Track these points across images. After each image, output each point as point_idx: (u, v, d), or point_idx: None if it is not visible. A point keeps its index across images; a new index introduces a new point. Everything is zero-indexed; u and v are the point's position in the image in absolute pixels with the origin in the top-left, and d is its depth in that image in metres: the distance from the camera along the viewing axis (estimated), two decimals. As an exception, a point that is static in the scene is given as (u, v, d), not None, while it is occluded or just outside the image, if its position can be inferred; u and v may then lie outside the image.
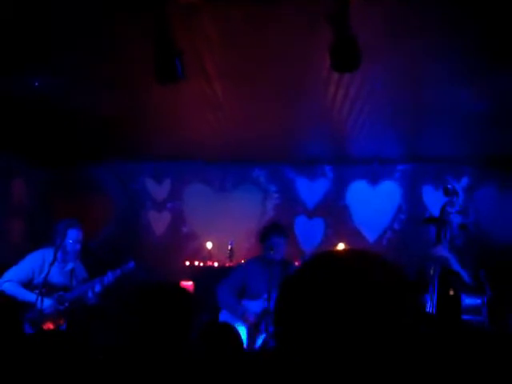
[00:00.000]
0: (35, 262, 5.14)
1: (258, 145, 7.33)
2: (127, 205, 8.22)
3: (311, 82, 5.32)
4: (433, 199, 7.61)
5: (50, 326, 5.01)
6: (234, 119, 6.33)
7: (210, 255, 7.85)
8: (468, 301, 4.23)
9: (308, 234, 8.01)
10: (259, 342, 5.16)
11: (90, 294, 5.20)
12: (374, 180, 8.05)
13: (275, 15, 4.26)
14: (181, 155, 7.95)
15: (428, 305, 4.21)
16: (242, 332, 4.96)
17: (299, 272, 1.14)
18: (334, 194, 8.10)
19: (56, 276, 5.14)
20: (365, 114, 6.05)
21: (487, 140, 6.68)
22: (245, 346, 3.86)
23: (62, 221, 5.27)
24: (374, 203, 7.94)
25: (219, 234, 7.82)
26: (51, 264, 4.95)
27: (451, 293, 4.26)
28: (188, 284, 6.94)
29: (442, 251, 4.40)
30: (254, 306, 5.24)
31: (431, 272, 4.29)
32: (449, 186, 4.56)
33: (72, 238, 5.21)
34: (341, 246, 7.55)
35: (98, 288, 5.21)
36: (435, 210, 5.77)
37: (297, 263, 5.77)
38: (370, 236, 7.98)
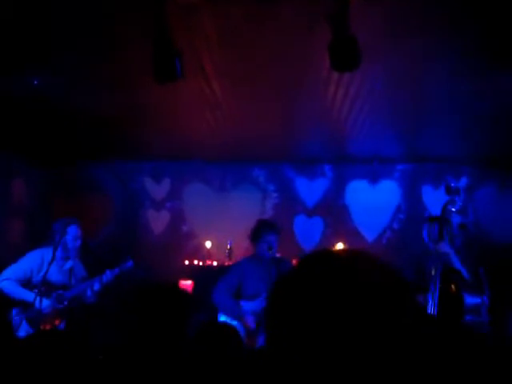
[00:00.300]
0: (34, 261, 5.13)
1: (258, 144, 7.32)
2: (126, 204, 8.22)
3: (311, 82, 5.32)
4: (432, 199, 7.61)
5: (48, 324, 5.01)
6: (233, 119, 6.33)
7: (209, 254, 7.86)
8: (468, 300, 4.23)
9: (307, 233, 8.01)
10: (260, 341, 5.14)
11: (88, 293, 5.20)
12: (374, 179, 8.05)
13: (275, 15, 4.25)
14: (180, 155, 7.95)
15: (430, 304, 4.21)
16: (241, 332, 4.95)
17: (295, 272, 1.12)
18: (334, 194, 8.10)
19: (55, 275, 5.14)
20: (364, 114, 6.05)
21: (487, 140, 6.68)
22: (244, 345, 3.86)
23: (61, 219, 5.28)
24: (373, 203, 7.93)
25: (218, 234, 7.82)
26: (50, 262, 4.95)
27: (453, 289, 4.26)
28: (187, 283, 6.94)
29: (445, 247, 4.40)
30: (253, 306, 5.22)
31: (432, 272, 4.29)
32: (451, 184, 4.56)
33: (72, 234, 5.22)
34: (340, 246, 7.55)
35: (96, 287, 5.21)
36: (434, 210, 5.77)
37: (294, 262, 5.75)
38: (369, 235, 7.98)
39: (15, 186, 7.63)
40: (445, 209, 4.49)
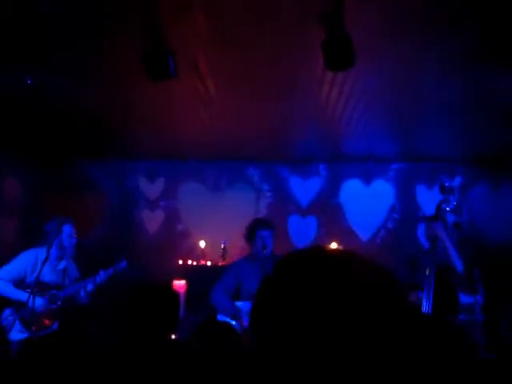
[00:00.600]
0: (27, 261, 5.10)
1: (252, 143, 7.32)
2: (121, 203, 8.20)
3: (305, 81, 5.32)
4: (426, 198, 7.63)
5: (42, 325, 4.99)
6: (227, 118, 6.32)
7: (203, 254, 7.85)
8: (462, 299, 4.24)
9: (301, 232, 8.01)
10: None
11: (82, 293, 5.18)
12: (368, 179, 8.05)
13: (269, 13, 4.24)
14: (174, 154, 7.94)
15: (424, 303, 4.21)
16: (239, 332, 4.94)
17: (284, 269, 1.09)
18: (328, 193, 8.10)
19: (48, 275, 5.12)
20: (359, 113, 6.05)
21: (481, 140, 6.70)
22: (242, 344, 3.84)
23: (55, 219, 5.26)
24: (367, 202, 7.94)
25: (212, 233, 7.81)
26: (44, 262, 4.93)
27: (447, 288, 4.27)
28: (181, 283, 6.92)
29: (439, 227, 4.42)
30: (250, 306, 5.19)
31: (427, 271, 4.30)
32: (445, 183, 4.57)
33: (67, 232, 5.21)
34: (334, 245, 7.55)
35: (90, 287, 5.20)
36: (429, 210, 5.78)
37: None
38: (364, 235, 7.99)
39: (9, 185, 7.60)
40: (439, 208, 4.50)
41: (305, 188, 8.16)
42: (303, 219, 8.12)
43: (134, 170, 8.27)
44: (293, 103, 5.86)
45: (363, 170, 8.02)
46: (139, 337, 2.14)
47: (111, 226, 8.05)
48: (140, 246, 7.84)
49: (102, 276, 5.25)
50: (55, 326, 5.11)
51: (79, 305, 5.22)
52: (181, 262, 7.67)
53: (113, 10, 4.17)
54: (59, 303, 5.12)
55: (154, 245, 8.02)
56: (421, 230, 4.64)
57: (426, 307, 4.19)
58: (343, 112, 6.03)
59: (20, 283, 5.05)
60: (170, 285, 5.83)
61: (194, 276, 7.18)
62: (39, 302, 4.98)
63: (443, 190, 4.50)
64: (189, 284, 6.95)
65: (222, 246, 7.60)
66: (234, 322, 4.87)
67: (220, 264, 7.42)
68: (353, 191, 8.07)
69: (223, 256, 7.56)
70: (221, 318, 5.27)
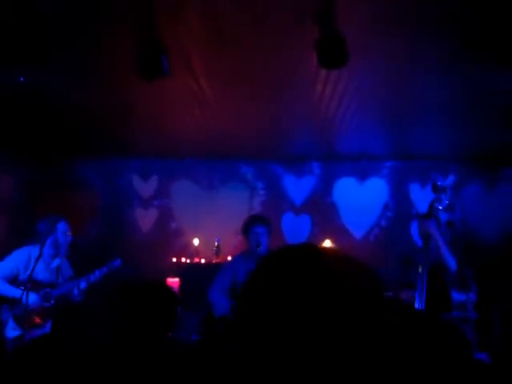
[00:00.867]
0: (20, 259, 5.09)
1: (246, 142, 7.32)
2: (114, 202, 8.18)
3: (299, 79, 5.32)
4: (420, 196, 7.65)
5: (33, 322, 4.98)
6: (221, 116, 6.31)
7: (196, 252, 7.85)
8: (455, 296, 4.26)
9: (295, 230, 8.01)
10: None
11: (75, 292, 5.17)
12: (362, 177, 8.06)
13: (262, 12, 4.24)
14: (168, 152, 7.93)
15: (417, 301, 4.22)
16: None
17: (274, 264, 1.07)
18: (322, 191, 8.11)
19: (42, 273, 5.11)
20: (352, 111, 6.05)
21: (474, 138, 6.72)
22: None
23: (48, 217, 5.24)
24: (361, 200, 7.96)
25: (206, 231, 7.81)
26: (37, 260, 4.91)
27: (440, 286, 4.29)
28: (174, 281, 6.92)
29: (432, 226, 4.43)
30: None
31: (420, 269, 4.31)
32: (438, 182, 4.58)
33: (62, 230, 5.21)
34: (327, 243, 7.56)
35: (83, 285, 5.19)
36: (422, 208, 5.79)
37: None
38: (357, 233, 8.00)
39: (1, 182, 7.57)
40: (432, 207, 4.52)
41: (298, 186, 8.17)
42: (297, 217, 8.12)
43: (128, 168, 8.25)
44: (286, 102, 5.86)
45: (357, 169, 8.04)
46: (133, 335, 2.14)
47: (104, 225, 8.03)
48: (133, 244, 7.83)
49: (95, 275, 5.26)
50: (47, 326, 5.09)
51: (72, 303, 5.21)
52: (174, 259, 7.67)
53: (112, 10, 4.16)
54: (52, 302, 5.10)
55: (148, 243, 8.01)
56: (414, 228, 4.65)
57: (418, 305, 4.20)
58: (337, 110, 6.03)
59: (13, 281, 5.03)
60: (164, 283, 5.82)
61: (188, 274, 7.18)
62: (33, 298, 4.96)
63: (435, 189, 4.51)
64: (182, 282, 6.96)
65: (216, 243, 7.61)
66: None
67: (214, 262, 7.42)
68: (346, 189, 8.08)
69: (217, 254, 7.56)
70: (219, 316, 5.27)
